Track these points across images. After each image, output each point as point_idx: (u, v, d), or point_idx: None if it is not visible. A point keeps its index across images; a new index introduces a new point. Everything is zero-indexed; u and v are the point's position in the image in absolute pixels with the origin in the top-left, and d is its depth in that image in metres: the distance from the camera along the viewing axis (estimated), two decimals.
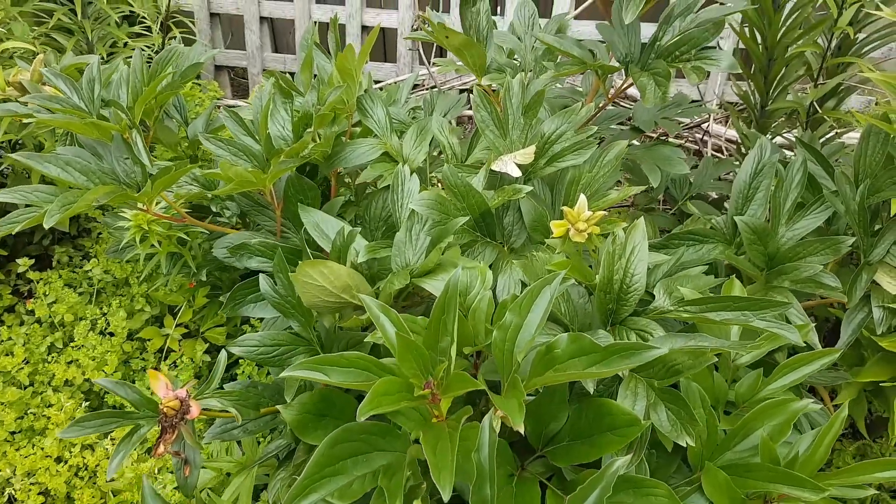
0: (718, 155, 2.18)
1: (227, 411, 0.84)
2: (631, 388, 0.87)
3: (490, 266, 1.15)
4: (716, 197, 1.71)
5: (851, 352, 1.31)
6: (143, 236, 1.22)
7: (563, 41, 1.17)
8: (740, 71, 1.14)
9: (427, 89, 2.57)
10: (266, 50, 2.74)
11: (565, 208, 1.01)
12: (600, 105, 1.46)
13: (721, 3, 1.19)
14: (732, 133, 2.17)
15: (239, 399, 0.86)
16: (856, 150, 1.25)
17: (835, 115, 1.56)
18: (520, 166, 1.14)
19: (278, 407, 0.82)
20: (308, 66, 1.35)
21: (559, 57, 1.36)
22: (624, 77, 1.23)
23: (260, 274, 0.97)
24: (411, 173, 1.16)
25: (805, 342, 1.07)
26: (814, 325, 1.19)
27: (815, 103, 1.54)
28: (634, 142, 1.56)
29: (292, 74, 1.40)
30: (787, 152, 2.14)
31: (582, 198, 1.02)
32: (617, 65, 1.19)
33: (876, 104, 2.31)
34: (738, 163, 1.83)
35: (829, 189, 1.30)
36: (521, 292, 1.07)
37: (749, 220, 1.21)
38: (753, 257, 1.23)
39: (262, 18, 2.66)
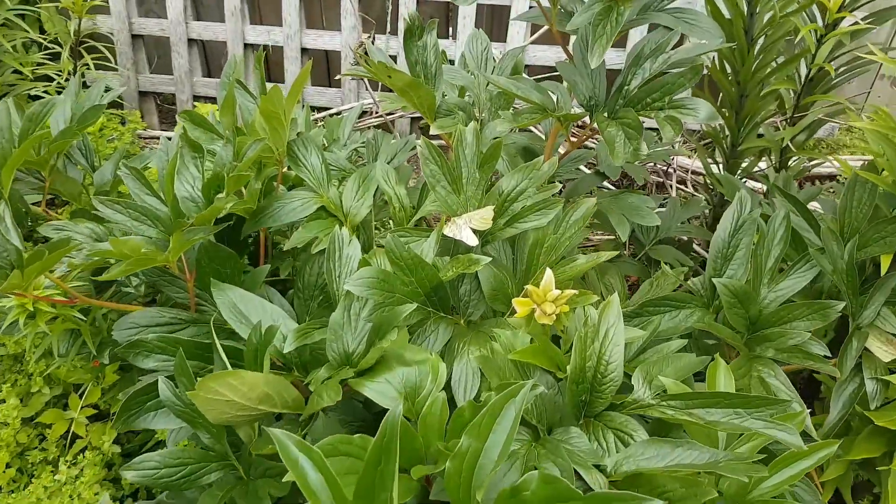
0: (683, 188, 2.08)
1: None
2: None
3: (445, 344, 0.99)
4: (684, 240, 1.60)
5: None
6: (30, 316, 1.02)
7: (521, 85, 1.02)
8: (721, 121, 1.02)
9: (375, 117, 2.40)
10: (196, 74, 2.52)
11: (529, 287, 0.87)
12: (563, 146, 1.33)
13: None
14: (699, 165, 2.08)
15: None
16: (840, 202, 1.15)
17: (806, 153, 1.47)
18: (476, 231, 0.99)
19: None
20: (229, 107, 1.17)
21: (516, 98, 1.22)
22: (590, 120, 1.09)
23: (159, 378, 0.79)
24: (351, 235, 1.00)
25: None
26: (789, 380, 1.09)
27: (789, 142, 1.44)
28: (606, 184, 1.43)
29: None
30: (754, 183, 2.06)
31: (548, 274, 0.88)
32: (581, 111, 1.06)
33: (838, 131, 2.27)
34: (705, 201, 1.73)
35: (812, 240, 1.19)
36: (481, 384, 0.93)
37: (728, 283, 1.09)
38: (734, 322, 1.11)
39: (190, 40, 2.44)
